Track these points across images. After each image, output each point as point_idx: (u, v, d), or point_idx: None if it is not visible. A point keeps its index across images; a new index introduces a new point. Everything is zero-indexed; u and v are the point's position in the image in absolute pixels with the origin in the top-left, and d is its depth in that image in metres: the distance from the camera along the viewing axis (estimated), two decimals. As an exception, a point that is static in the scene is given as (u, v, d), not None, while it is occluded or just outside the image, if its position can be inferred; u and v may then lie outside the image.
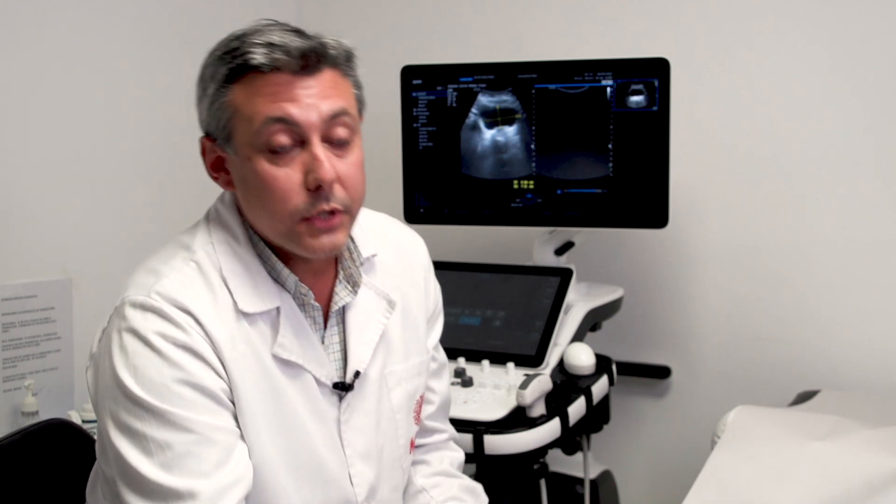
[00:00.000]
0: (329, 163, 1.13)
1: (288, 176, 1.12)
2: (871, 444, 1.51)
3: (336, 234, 1.16)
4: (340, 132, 1.15)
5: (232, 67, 1.13)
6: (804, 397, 1.91)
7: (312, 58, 1.12)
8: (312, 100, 1.12)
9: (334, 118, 1.14)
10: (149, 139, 2.13)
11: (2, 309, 1.79)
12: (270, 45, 1.11)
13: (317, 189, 1.12)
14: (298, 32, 1.15)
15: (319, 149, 1.13)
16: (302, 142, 1.13)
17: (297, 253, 1.18)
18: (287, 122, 1.12)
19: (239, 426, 1.14)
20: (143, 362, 1.09)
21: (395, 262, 1.35)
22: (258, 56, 1.11)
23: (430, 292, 1.41)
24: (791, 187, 2.10)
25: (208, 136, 1.18)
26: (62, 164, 1.95)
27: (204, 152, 1.20)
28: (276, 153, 1.12)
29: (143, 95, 2.11)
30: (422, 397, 1.38)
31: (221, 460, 1.10)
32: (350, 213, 1.18)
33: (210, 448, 1.09)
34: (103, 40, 2.03)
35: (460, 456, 1.49)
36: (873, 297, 2.05)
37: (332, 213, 1.14)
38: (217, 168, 1.20)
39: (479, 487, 1.46)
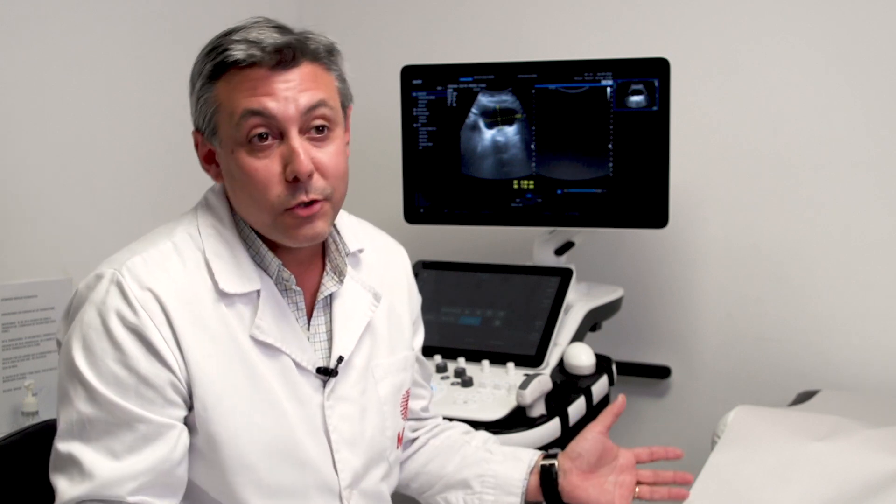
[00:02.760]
0: (306, 155, 1.16)
1: (267, 167, 1.16)
2: (871, 444, 1.51)
3: (317, 222, 1.19)
4: (319, 123, 1.19)
5: (215, 64, 1.17)
6: (804, 397, 1.91)
7: (288, 53, 1.16)
8: (291, 93, 1.16)
9: (312, 110, 1.17)
10: (149, 139, 2.13)
11: (2, 309, 1.79)
12: (248, 41, 1.15)
13: (294, 181, 1.16)
14: (280, 28, 1.19)
15: (297, 141, 1.16)
16: (281, 134, 1.17)
17: (283, 243, 1.22)
18: (264, 115, 1.15)
19: (191, 416, 1.16)
20: (92, 336, 1.13)
21: (380, 264, 1.40)
22: (237, 52, 1.15)
23: (413, 297, 1.46)
24: (791, 187, 2.10)
25: (198, 131, 1.23)
26: (62, 164, 1.95)
27: (197, 146, 1.25)
28: (255, 146, 1.16)
29: (143, 95, 2.11)
30: (408, 392, 1.41)
31: (134, 447, 1.12)
32: (331, 200, 1.21)
33: (127, 433, 1.12)
34: (103, 40, 2.03)
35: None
36: (873, 297, 2.05)
37: (312, 202, 1.18)
38: (209, 160, 1.24)
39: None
